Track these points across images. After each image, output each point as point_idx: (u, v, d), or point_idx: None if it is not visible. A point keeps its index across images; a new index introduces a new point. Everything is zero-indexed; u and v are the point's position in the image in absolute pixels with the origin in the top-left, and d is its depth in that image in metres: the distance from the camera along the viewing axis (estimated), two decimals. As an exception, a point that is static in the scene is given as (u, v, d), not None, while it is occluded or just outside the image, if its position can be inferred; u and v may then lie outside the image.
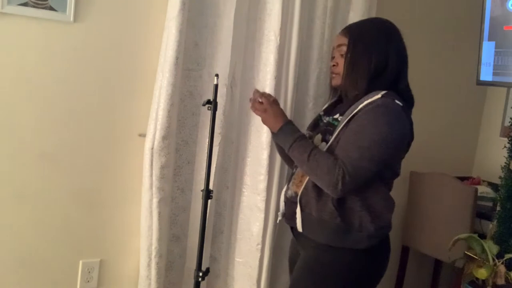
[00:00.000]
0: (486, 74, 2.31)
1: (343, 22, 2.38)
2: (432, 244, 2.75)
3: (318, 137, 1.68)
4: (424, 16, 2.90)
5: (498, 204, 2.35)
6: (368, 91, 1.57)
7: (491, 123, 3.20)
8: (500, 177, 2.35)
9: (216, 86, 1.76)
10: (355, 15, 2.41)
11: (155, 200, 2.07)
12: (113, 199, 2.17)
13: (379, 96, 1.54)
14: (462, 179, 2.85)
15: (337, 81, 1.68)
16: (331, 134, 1.60)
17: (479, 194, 2.64)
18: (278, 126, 1.64)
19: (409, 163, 3.00)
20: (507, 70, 2.22)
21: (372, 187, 1.58)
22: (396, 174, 1.70)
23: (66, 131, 2.04)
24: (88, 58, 2.04)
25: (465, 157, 3.26)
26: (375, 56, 1.59)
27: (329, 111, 1.78)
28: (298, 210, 1.64)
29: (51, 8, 1.93)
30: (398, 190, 2.97)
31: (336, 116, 1.67)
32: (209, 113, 1.82)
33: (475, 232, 2.39)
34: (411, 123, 1.64)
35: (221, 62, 2.11)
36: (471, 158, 3.28)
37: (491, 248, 2.06)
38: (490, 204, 2.75)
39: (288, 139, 1.61)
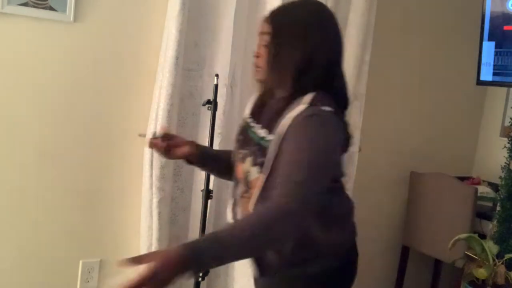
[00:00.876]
0: (486, 74, 2.31)
1: (343, 22, 2.38)
2: (432, 244, 2.75)
3: (249, 160, 1.38)
4: (424, 16, 2.90)
5: (498, 204, 2.35)
6: (295, 91, 1.35)
7: (491, 123, 3.19)
8: (500, 177, 2.34)
9: (216, 86, 1.76)
10: (355, 15, 2.41)
11: (155, 200, 2.07)
12: (113, 199, 2.17)
13: (305, 106, 1.30)
14: (462, 179, 2.85)
15: (260, 75, 1.41)
16: (262, 157, 1.34)
17: (479, 194, 2.64)
18: (183, 267, 1.04)
19: (409, 163, 3.03)
20: (507, 70, 2.22)
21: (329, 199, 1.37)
22: (342, 174, 1.50)
23: (66, 131, 2.04)
24: (88, 58, 2.04)
25: (465, 157, 3.26)
26: (302, 49, 1.33)
27: (255, 115, 1.49)
28: None
29: (51, 8, 1.93)
30: (398, 190, 3.00)
31: (263, 132, 1.39)
32: (209, 113, 1.82)
33: (475, 232, 2.39)
34: (345, 125, 1.40)
35: (221, 62, 2.11)
36: (471, 158, 3.28)
37: (491, 248, 2.05)
38: (490, 204, 2.74)
39: (204, 259, 1.09)
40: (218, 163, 1.61)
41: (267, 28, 1.37)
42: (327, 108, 1.31)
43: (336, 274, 1.44)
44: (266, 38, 1.37)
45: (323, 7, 1.43)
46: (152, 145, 1.49)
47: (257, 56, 1.41)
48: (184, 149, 1.51)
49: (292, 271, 1.40)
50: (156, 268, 0.99)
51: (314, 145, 1.27)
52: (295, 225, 1.21)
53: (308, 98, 1.32)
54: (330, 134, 1.30)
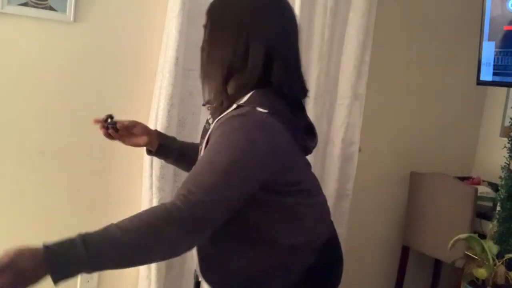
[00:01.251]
0: (486, 74, 2.31)
1: (343, 22, 2.38)
2: (432, 244, 2.75)
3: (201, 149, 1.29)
4: (424, 16, 2.90)
5: (498, 204, 2.35)
6: (227, 92, 1.22)
7: (491, 123, 3.19)
8: (500, 177, 2.34)
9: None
10: (355, 15, 2.42)
11: (155, 200, 2.07)
12: (113, 199, 2.17)
13: (234, 106, 1.17)
14: (462, 179, 2.85)
15: (200, 73, 1.29)
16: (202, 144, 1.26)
17: (479, 194, 2.64)
18: (40, 264, 0.95)
19: (409, 163, 3.03)
20: (507, 70, 2.22)
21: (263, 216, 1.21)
22: (299, 181, 1.27)
23: (66, 131, 2.04)
24: (88, 58, 2.04)
25: (465, 157, 3.26)
26: (236, 43, 1.17)
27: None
28: None
29: (51, 8, 1.93)
30: (398, 190, 3.00)
31: (209, 118, 1.33)
32: (209, 113, 1.81)
33: (475, 232, 2.39)
34: (293, 124, 1.22)
35: (221, 62, 2.11)
36: (471, 158, 3.28)
37: (491, 248, 2.05)
38: (490, 204, 2.75)
39: (77, 253, 1.00)
40: (184, 157, 1.52)
41: (205, 19, 1.25)
42: (260, 109, 1.15)
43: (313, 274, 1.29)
44: (204, 31, 1.25)
45: None
46: (101, 127, 1.48)
47: (201, 51, 1.28)
48: (142, 139, 1.48)
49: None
50: (13, 254, 0.93)
51: (226, 149, 1.11)
52: (183, 231, 1.04)
53: (245, 98, 1.19)
54: (252, 138, 1.12)
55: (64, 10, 1.95)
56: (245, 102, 1.17)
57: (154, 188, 2.06)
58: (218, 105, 1.22)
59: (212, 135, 1.16)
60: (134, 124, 1.50)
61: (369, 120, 2.62)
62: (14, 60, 1.93)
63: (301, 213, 1.27)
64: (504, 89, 3.04)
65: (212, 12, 1.24)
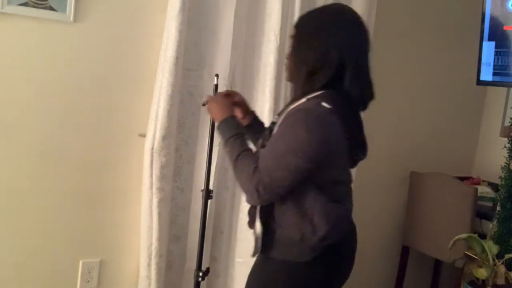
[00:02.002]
0: (486, 74, 2.31)
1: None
2: (432, 244, 2.75)
3: (259, 142, 1.58)
4: (424, 16, 2.90)
5: (498, 204, 2.35)
6: (304, 89, 1.46)
7: (491, 123, 3.19)
8: (500, 177, 2.34)
9: (216, 86, 1.76)
10: (355, 15, 2.41)
11: (155, 200, 2.07)
12: (113, 199, 2.17)
13: (303, 100, 1.43)
14: (462, 179, 2.85)
15: (287, 76, 1.58)
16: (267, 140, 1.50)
17: (479, 194, 2.64)
18: (222, 116, 1.55)
19: (409, 163, 3.03)
20: (507, 70, 2.22)
21: (309, 196, 1.44)
22: (337, 181, 1.50)
23: (66, 131, 2.04)
24: (88, 58, 2.04)
25: (465, 157, 3.26)
26: (315, 49, 1.44)
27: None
28: (257, 222, 1.52)
29: (51, 8, 1.93)
30: (398, 190, 3.00)
31: (276, 118, 1.57)
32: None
33: (475, 232, 2.39)
34: (352, 125, 1.47)
35: (221, 62, 2.11)
36: (471, 158, 3.28)
37: (491, 248, 2.05)
38: (490, 204, 2.75)
39: (228, 132, 1.51)
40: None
41: (293, 31, 1.52)
42: (325, 105, 1.37)
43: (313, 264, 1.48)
44: (292, 40, 1.51)
45: (343, 10, 1.52)
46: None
47: (287, 58, 1.55)
48: (238, 114, 1.70)
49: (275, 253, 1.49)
50: (220, 96, 1.65)
51: (299, 135, 1.36)
52: (248, 194, 1.41)
53: (314, 94, 1.42)
54: (309, 129, 1.36)
55: (64, 10, 1.95)
56: (313, 97, 1.42)
57: (154, 188, 2.06)
58: (297, 98, 1.47)
59: (280, 125, 1.43)
60: (241, 98, 1.76)
61: (369, 120, 2.61)
62: (14, 60, 1.93)
63: (313, 209, 1.44)
64: (504, 89, 3.04)
65: (300, 24, 1.51)
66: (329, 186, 1.46)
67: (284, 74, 2.16)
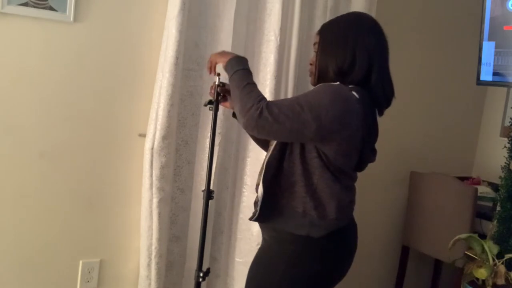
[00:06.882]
0: (486, 74, 2.31)
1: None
2: (432, 244, 2.76)
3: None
4: (424, 16, 2.90)
5: (498, 204, 2.35)
6: None
7: (491, 123, 3.20)
8: (500, 177, 2.34)
9: (218, 85, 1.76)
10: (355, 15, 2.41)
11: (155, 200, 2.07)
12: (113, 199, 2.17)
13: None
14: (462, 179, 2.85)
15: (311, 80, 1.66)
16: None
17: (479, 194, 2.64)
18: (229, 56, 1.62)
19: (409, 163, 3.03)
20: (507, 70, 2.22)
21: (320, 175, 1.50)
22: (344, 172, 1.55)
23: (66, 131, 2.04)
24: (88, 58, 2.04)
25: (465, 157, 3.26)
26: (342, 54, 1.54)
27: None
28: (259, 196, 1.58)
29: (51, 8, 1.93)
30: (398, 190, 3.00)
31: None
32: (209, 113, 1.81)
33: (475, 232, 2.39)
34: (371, 120, 1.56)
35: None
36: (471, 158, 3.28)
37: (491, 248, 2.05)
38: (490, 204, 2.75)
39: (237, 65, 1.58)
40: None
41: (316, 38, 1.62)
42: (355, 93, 1.48)
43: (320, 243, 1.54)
44: (316, 47, 1.60)
45: (363, 17, 1.65)
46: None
47: (311, 64, 1.65)
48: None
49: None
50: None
51: (321, 100, 1.44)
52: (249, 108, 1.44)
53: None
54: (333, 98, 1.44)
55: (64, 10, 1.95)
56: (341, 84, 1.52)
57: (154, 188, 2.06)
58: None
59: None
60: None
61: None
62: (14, 60, 1.93)
63: (321, 187, 1.52)
64: (504, 89, 3.04)
65: (323, 31, 1.62)
66: (338, 172, 1.53)
67: (284, 74, 2.19)
